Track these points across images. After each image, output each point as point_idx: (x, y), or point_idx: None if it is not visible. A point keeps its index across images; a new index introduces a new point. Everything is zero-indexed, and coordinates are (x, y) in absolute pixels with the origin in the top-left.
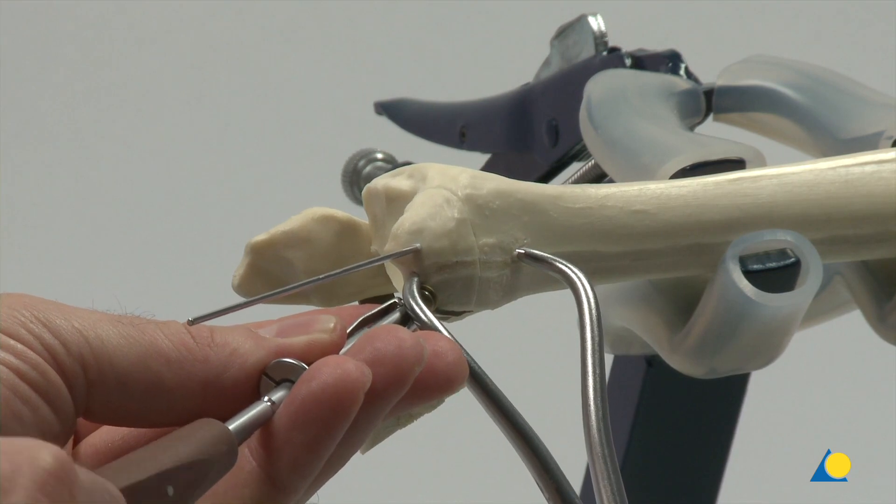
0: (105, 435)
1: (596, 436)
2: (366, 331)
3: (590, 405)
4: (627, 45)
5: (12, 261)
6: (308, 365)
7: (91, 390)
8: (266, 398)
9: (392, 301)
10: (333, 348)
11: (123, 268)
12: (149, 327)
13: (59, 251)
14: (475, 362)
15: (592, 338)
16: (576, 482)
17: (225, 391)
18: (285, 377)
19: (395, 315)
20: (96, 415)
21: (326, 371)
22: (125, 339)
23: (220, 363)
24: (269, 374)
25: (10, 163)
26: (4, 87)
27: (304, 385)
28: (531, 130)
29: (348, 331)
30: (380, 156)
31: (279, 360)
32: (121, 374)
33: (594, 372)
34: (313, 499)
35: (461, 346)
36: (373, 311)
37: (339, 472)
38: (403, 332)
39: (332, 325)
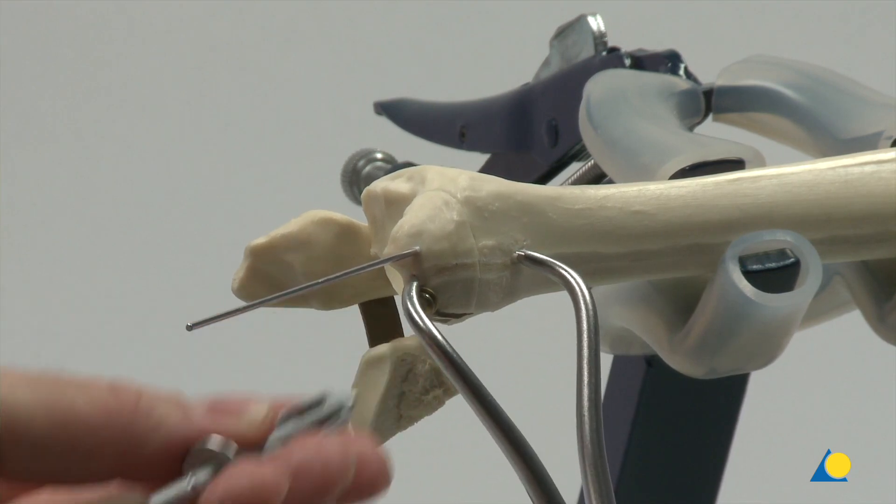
0: None
1: (589, 447)
2: (294, 420)
3: (584, 416)
4: (627, 45)
5: (12, 260)
6: (234, 450)
7: (4, 455)
8: (188, 482)
9: (320, 395)
10: (260, 439)
11: (122, 269)
12: (69, 390)
13: (59, 251)
14: (470, 370)
15: (589, 346)
16: (572, 492)
17: (145, 461)
18: (208, 461)
19: (324, 407)
20: (8, 476)
21: (243, 477)
22: (42, 404)
23: (141, 434)
24: (191, 457)
25: (10, 163)
26: (4, 87)
27: (218, 486)
28: (531, 130)
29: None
30: (379, 156)
31: (203, 444)
32: (36, 439)
33: (589, 382)
34: None
35: (459, 355)
36: (302, 403)
37: None
38: (331, 444)
39: (261, 416)
